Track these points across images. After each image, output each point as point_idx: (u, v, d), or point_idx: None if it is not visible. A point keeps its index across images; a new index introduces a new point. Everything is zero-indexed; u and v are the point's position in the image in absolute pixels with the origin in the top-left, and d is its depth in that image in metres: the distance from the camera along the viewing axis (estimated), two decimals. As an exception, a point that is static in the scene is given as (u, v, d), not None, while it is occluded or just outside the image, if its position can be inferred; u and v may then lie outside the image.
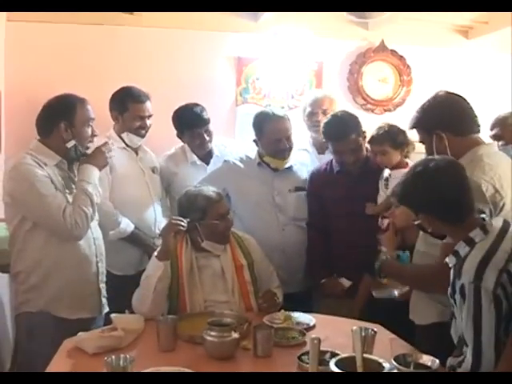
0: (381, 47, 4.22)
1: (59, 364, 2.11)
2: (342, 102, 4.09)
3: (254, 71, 4.12)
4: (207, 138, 3.42)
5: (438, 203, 1.94)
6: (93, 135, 2.77)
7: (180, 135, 3.49)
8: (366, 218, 2.94)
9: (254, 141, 3.29)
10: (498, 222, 1.97)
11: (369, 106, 4.27)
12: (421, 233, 2.42)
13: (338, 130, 3.04)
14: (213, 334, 2.16)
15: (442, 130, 2.32)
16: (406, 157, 2.96)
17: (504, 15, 3.77)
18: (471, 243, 1.91)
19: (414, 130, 2.48)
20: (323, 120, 3.23)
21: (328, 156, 3.37)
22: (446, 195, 1.93)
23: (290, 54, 4.10)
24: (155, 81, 3.78)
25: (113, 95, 3.31)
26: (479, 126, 2.39)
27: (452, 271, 1.97)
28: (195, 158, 3.50)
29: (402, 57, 4.28)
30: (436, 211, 1.96)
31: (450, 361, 1.96)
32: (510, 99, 4.29)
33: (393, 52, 4.26)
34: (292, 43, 4.08)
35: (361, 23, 4.12)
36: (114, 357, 1.90)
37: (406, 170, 2.84)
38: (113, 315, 2.42)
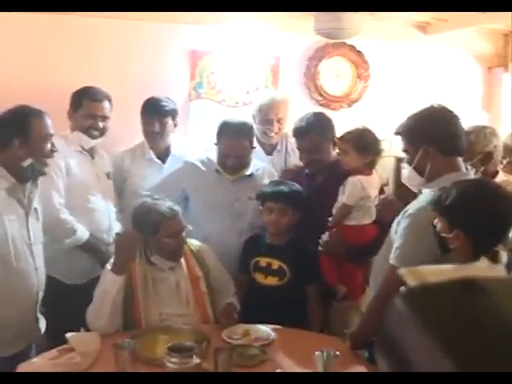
0: (339, 42, 4.11)
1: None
2: (299, 98, 4.04)
3: (208, 65, 3.95)
4: (157, 129, 3.36)
5: None
6: (52, 151, 2.55)
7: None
8: (322, 225, 2.90)
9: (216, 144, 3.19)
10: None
11: (325, 101, 4.19)
12: (382, 248, 2.40)
13: (299, 127, 3.08)
14: (173, 360, 2.09)
15: (431, 146, 2.21)
16: (372, 167, 2.89)
17: (464, 14, 3.77)
18: None
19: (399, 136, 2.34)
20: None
21: (277, 157, 3.54)
22: None
23: (246, 48, 3.98)
24: (104, 75, 3.60)
25: (72, 93, 3.16)
26: (464, 148, 2.30)
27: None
28: (152, 154, 3.44)
29: (360, 52, 4.21)
30: None
31: None
32: (463, 95, 4.37)
33: (351, 47, 4.18)
34: (248, 37, 3.96)
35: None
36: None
37: (367, 178, 2.84)
38: (68, 335, 2.32)
